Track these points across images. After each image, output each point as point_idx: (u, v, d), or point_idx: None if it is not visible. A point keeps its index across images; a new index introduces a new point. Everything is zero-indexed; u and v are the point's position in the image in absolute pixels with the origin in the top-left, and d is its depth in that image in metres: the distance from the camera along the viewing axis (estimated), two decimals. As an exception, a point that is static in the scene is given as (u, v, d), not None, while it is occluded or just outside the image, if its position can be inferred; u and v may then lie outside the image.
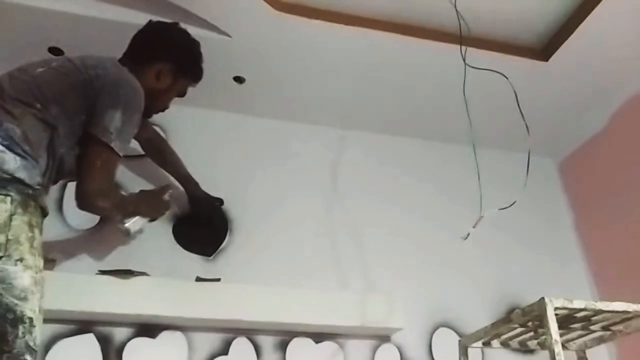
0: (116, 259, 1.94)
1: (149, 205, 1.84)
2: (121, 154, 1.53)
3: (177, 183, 2.09)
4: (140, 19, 1.91)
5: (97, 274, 1.85)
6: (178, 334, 1.91)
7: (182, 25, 1.83)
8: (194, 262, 2.04)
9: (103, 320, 1.83)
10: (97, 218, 2.02)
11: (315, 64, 2.18)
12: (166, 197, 1.89)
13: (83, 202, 1.52)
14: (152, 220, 1.87)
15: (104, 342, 1.83)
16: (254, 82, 2.26)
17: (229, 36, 2.01)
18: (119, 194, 1.82)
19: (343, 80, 2.28)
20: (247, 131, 2.42)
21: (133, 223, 1.78)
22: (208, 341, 1.93)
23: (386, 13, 2.03)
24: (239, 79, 2.23)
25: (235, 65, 2.15)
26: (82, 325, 1.82)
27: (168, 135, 2.28)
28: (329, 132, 2.52)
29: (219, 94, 2.31)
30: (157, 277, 1.90)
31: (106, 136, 1.48)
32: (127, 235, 1.81)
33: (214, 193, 2.17)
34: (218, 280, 1.95)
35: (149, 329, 1.88)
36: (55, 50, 2.02)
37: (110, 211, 1.70)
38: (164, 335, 1.89)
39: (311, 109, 2.44)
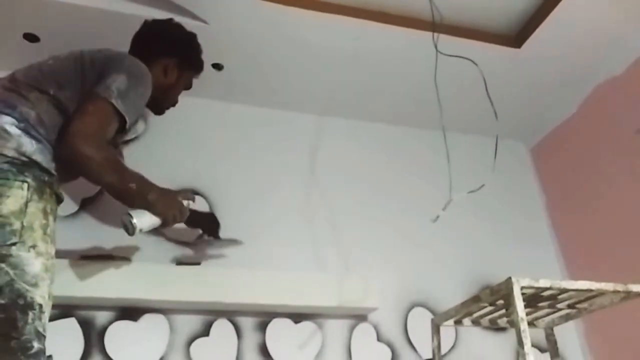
0: (97, 244, 1.96)
1: (163, 201, 1.55)
2: (124, 115, 1.45)
3: None
4: (117, 6, 1.93)
5: (79, 259, 1.87)
6: (160, 316, 1.94)
7: (160, 12, 1.87)
8: (174, 246, 2.07)
9: (84, 304, 1.86)
10: (77, 205, 2.04)
11: (293, 51, 2.20)
12: (185, 203, 1.64)
13: (64, 145, 1.36)
14: (162, 225, 1.59)
15: (86, 325, 1.86)
16: (233, 69, 2.27)
17: (206, 23, 2.01)
18: (116, 156, 1.56)
19: (320, 67, 2.29)
20: (226, 118, 2.43)
21: (141, 219, 1.51)
22: (189, 323, 1.97)
23: (361, 0, 2.04)
24: (217, 66, 2.24)
25: (214, 52, 2.15)
26: (63, 309, 1.84)
27: (147, 124, 2.29)
28: (306, 119, 2.54)
29: (198, 80, 2.30)
30: (138, 262, 1.93)
31: (107, 93, 1.42)
32: (131, 231, 1.52)
33: (193, 180, 2.21)
34: (198, 264, 1.98)
35: (130, 312, 1.92)
36: (30, 37, 2.01)
37: (97, 166, 1.40)
38: (146, 318, 1.93)
39: (289, 96, 2.46)
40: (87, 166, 1.39)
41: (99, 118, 1.41)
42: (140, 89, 1.54)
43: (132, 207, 1.52)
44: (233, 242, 2.00)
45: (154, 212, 1.52)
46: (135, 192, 1.48)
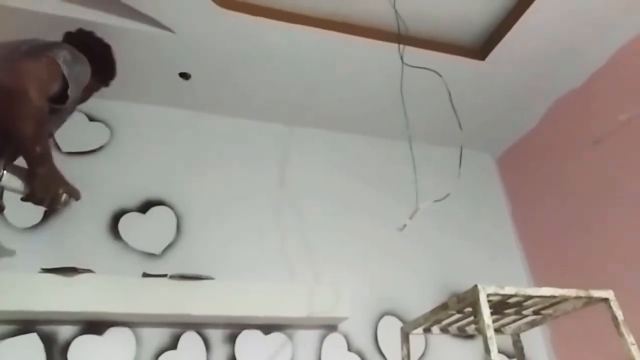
0: (60, 256, 1.91)
1: (45, 180, 1.43)
2: (68, 82, 1.41)
3: None
4: (86, 15, 1.90)
5: (40, 272, 1.81)
6: (126, 330, 1.90)
7: (126, 20, 1.87)
8: (140, 258, 2.04)
9: (47, 319, 1.80)
10: (39, 216, 1.99)
11: (260, 61, 2.20)
12: (64, 196, 1.50)
13: (12, 71, 1.31)
14: (24, 198, 1.43)
15: (48, 341, 1.80)
16: (200, 78, 2.26)
17: (173, 32, 2.00)
18: (46, 116, 1.38)
19: (287, 77, 2.30)
20: (194, 127, 2.42)
21: (9, 177, 1.38)
22: (156, 336, 1.93)
23: (328, 12, 2.06)
24: (184, 75, 2.23)
25: (180, 61, 2.14)
26: (24, 325, 1.78)
27: (114, 132, 2.26)
28: (275, 128, 2.55)
29: (165, 90, 2.30)
30: (102, 274, 1.88)
31: (56, 55, 1.40)
32: None
33: (160, 191, 2.18)
34: (165, 275, 1.95)
35: (95, 326, 1.87)
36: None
37: (31, 110, 1.31)
38: (111, 331, 1.88)
39: (257, 105, 2.46)
40: (22, 104, 1.30)
41: (49, 70, 1.37)
42: (84, 68, 1.53)
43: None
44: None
45: (29, 183, 1.40)
46: (34, 156, 1.39)
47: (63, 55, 1.42)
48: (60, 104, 1.45)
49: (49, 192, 1.45)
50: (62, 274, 1.80)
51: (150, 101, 2.33)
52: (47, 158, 1.43)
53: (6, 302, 1.68)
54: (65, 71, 1.40)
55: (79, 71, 1.50)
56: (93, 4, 1.90)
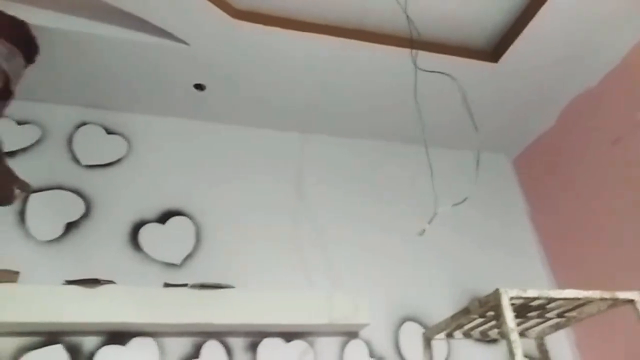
0: (82, 268, 1.94)
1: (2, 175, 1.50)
2: (11, 78, 1.45)
3: None
4: (96, 28, 1.93)
5: (64, 284, 1.84)
6: (149, 340, 1.92)
7: (140, 33, 1.89)
8: (161, 268, 2.05)
9: (71, 330, 1.83)
10: (61, 229, 2.02)
11: (274, 70, 2.21)
12: (17, 191, 1.57)
13: None
14: None
15: (73, 352, 1.82)
16: (215, 89, 2.28)
17: (187, 44, 2.02)
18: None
19: (301, 85, 2.31)
20: (211, 138, 2.44)
21: None
22: (179, 346, 1.94)
23: (340, 19, 2.07)
24: (199, 86, 2.25)
25: (195, 72, 2.17)
26: (49, 336, 1.81)
27: (132, 144, 2.29)
28: (290, 137, 2.56)
29: (181, 101, 2.32)
30: (124, 285, 1.90)
31: None
32: None
33: (179, 201, 2.20)
34: (186, 285, 1.97)
35: (119, 336, 1.89)
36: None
37: None
38: (135, 341, 1.90)
39: (272, 114, 2.48)
40: None
41: None
42: (19, 59, 1.54)
43: None
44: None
45: None
46: None
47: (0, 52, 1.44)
48: (4, 100, 1.47)
49: (2, 191, 1.49)
50: (85, 285, 1.83)
51: (166, 113, 2.36)
52: (1, 157, 1.47)
53: (32, 314, 1.71)
54: (7, 67, 1.43)
55: (17, 64, 1.52)
56: (107, 18, 1.93)
